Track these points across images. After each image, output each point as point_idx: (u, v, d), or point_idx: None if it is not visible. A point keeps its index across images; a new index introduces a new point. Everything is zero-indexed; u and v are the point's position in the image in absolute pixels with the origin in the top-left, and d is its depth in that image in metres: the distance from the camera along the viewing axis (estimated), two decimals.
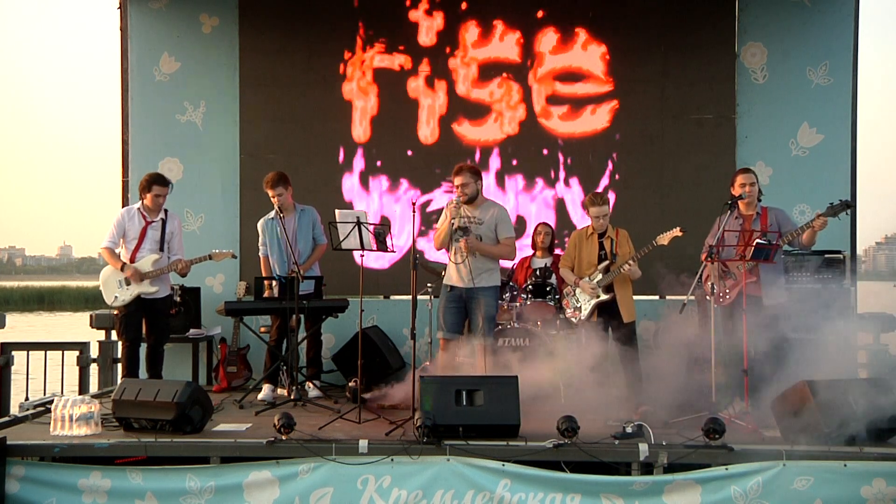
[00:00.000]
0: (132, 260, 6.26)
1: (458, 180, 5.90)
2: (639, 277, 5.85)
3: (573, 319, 6.05)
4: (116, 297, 6.26)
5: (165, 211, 6.41)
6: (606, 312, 5.87)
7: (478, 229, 5.87)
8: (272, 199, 6.51)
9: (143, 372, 6.38)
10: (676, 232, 5.62)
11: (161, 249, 6.32)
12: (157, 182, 6.32)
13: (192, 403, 5.01)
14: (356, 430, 5.21)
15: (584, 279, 5.98)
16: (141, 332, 6.36)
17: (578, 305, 5.97)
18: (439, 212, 6.33)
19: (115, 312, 6.35)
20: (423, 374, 5.41)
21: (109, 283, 6.30)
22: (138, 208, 6.37)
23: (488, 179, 7.77)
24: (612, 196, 7.53)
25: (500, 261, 6.16)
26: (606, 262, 5.86)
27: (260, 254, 6.79)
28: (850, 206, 5.58)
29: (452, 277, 5.88)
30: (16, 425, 5.45)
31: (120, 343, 6.50)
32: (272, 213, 6.65)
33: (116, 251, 6.32)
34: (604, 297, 5.83)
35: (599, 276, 5.86)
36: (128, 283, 6.25)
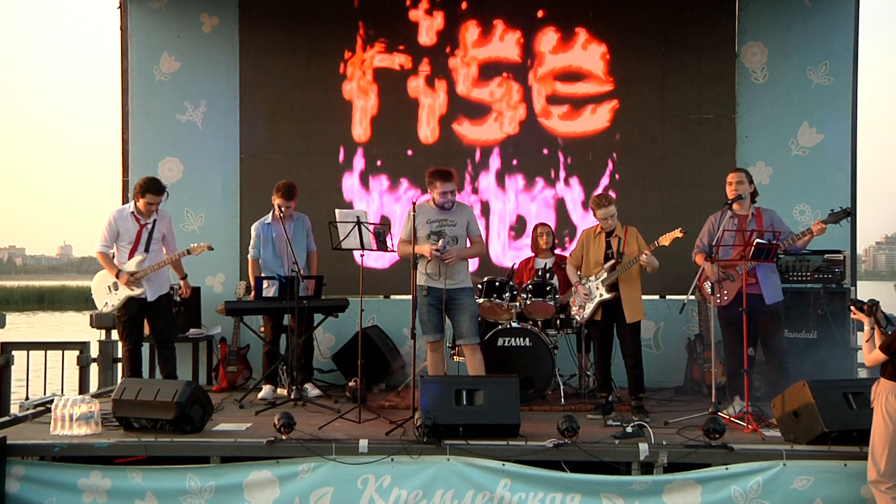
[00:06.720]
0: None
1: (446, 187, 5.75)
2: (657, 267, 5.77)
3: (577, 317, 6.07)
4: (107, 302, 6.22)
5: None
6: (610, 311, 5.87)
7: (452, 230, 5.82)
8: (278, 206, 6.48)
9: (146, 374, 6.35)
10: (677, 233, 5.61)
11: (146, 250, 6.20)
12: (150, 190, 6.12)
13: (192, 403, 5.01)
14: (356, 430, 5.21)
15: (581, 282, 6.01)
16: (143, 334, 6.32)
17: (583, 304, 5.98)
18: None
19: (118, 315, 6.26)
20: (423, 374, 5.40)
21: (99, 290, 6.25)
22: (131, 211, 6.23)
23: (488, 179, 7.79)
24: (612, 196, 7.50)
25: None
26: (612, 261, 5.86)
27: (249, 256, 6.77)
28: (849, 214, 5.63)
29: (430, 280, 5.77)
30: (16, 425, 5.46)
31: (122, 346, 6.40)
32: (268, 218, 6.66)
33: (111, 254, 6.20)
34: (606, 295, 5.82)
35: (605, 275, 5.86)
36: (115, 288, 6.17)
